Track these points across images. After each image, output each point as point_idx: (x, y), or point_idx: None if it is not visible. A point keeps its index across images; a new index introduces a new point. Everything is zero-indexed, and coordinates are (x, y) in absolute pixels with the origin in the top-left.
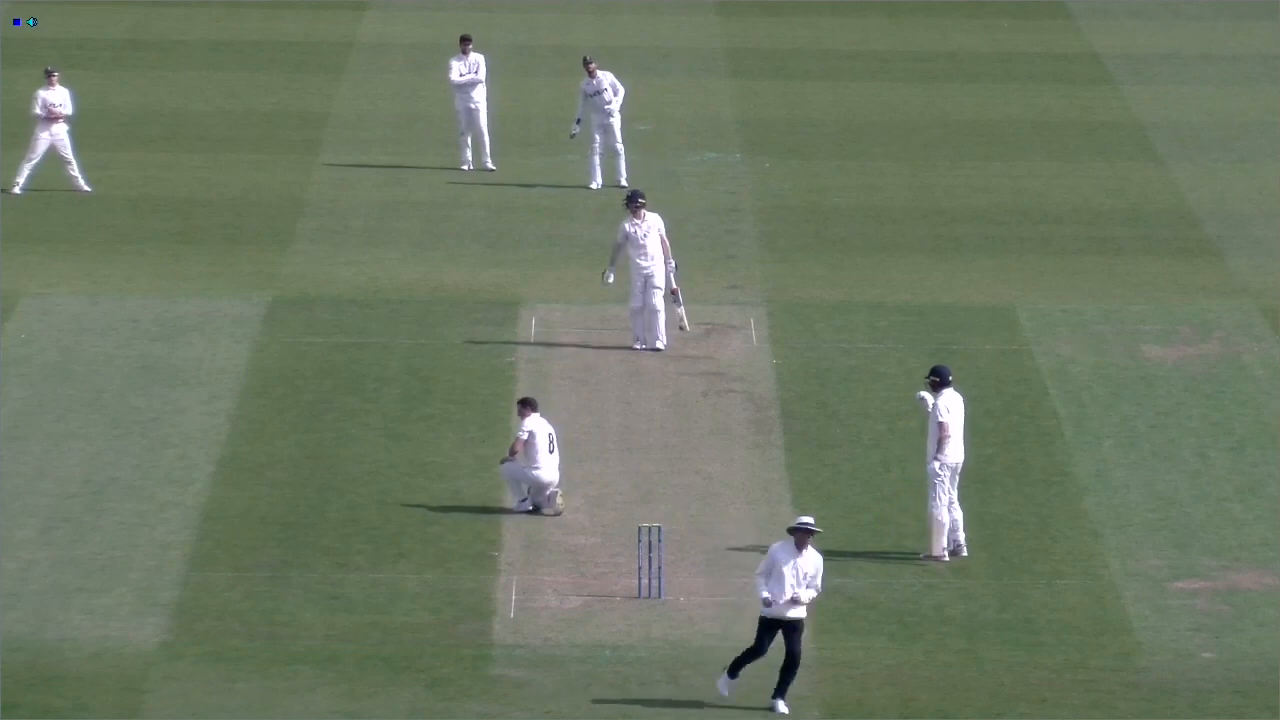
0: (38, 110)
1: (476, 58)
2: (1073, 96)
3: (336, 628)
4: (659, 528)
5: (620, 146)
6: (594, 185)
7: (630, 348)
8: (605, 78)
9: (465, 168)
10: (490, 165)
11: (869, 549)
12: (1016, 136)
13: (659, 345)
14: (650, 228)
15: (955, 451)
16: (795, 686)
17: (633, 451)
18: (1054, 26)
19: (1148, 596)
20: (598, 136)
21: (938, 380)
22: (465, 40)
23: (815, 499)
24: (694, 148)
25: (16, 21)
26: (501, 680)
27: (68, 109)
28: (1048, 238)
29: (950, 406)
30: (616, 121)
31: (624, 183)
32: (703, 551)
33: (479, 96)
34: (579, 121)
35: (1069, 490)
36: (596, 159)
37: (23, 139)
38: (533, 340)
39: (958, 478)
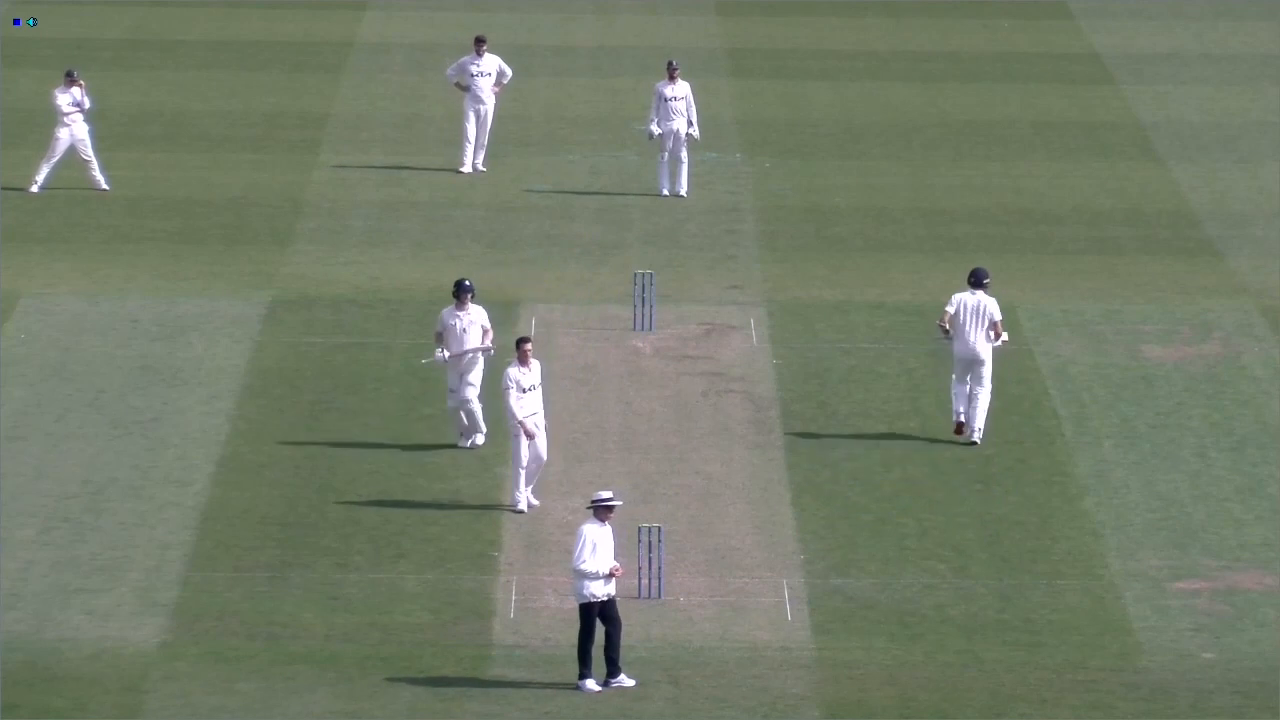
0: (63, 110)
1: (493, 59)
2: (1073, 96)
3: (336, 628)
4: (659, 528)
5: (685, 155)
6: (664, 192)
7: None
8: (684, 87)
9: (465, 170)
10: (482, 167)
11: (869, 549)
12: (1016, 136)
13: (469, 444)
14: (473, 321)
15: (956, 344)
16: (795, 686)
17: (633, 451)
18: (1054, 26)
19: (1148, 596)
20: (669, 142)
21: (969, 279)
22: (480, 41)
23: (815, 499)
24: (694, 148)
25: (16, 21)
26: (501, 680)
27: (85, 105)
28: (1048, 238)
29: (959, 300)
30: (683, 129)
31: (684, 193)
32: (703, 551)
33: (489, 98)
34: (655, 124)
35: (1069, 490)
36: (666, 164)
37: (21, 139)
38: (533, 340)
39: (968, 367)
